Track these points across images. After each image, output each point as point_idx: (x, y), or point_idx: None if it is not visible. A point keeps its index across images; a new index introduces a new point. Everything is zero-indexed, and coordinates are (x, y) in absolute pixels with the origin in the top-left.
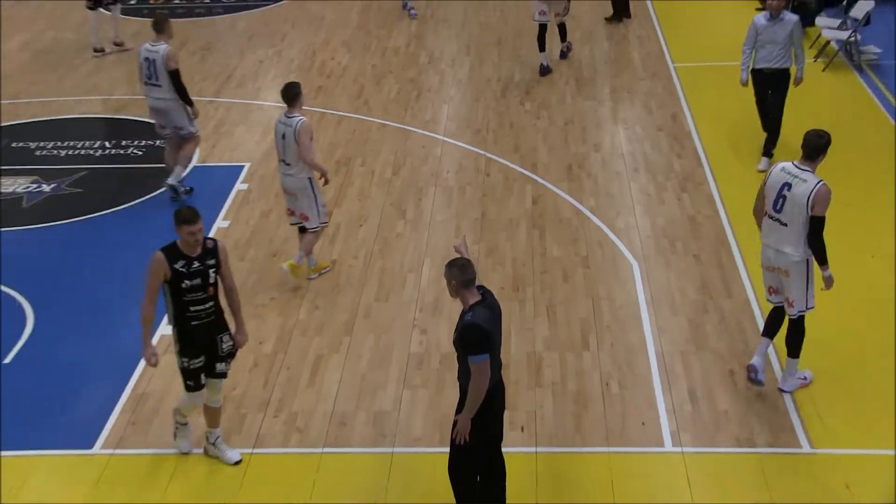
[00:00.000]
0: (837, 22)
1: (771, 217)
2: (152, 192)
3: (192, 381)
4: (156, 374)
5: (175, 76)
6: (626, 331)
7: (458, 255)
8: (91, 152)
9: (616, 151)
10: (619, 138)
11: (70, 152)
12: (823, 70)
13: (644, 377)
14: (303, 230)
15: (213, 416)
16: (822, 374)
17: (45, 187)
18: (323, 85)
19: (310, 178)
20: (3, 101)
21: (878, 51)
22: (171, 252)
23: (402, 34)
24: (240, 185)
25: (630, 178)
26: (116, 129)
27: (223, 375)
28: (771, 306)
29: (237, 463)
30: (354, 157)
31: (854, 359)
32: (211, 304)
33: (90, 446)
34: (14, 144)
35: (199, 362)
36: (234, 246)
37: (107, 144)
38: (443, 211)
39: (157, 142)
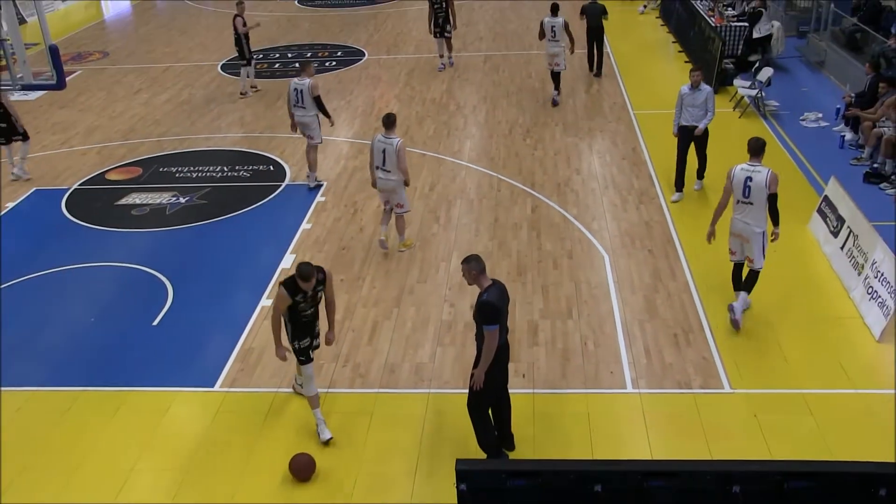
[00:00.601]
0: (748, 83)
1: (742, 202)
2: (256, 203)
3: (304, 356)
4: (259, 334)
5: (318, 100)
6: (599, 304)
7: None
8: (214, 174)
9: (592, 174)
10: (594, 165)
11: (199, 174)
12: (739, 117)
13: (612, 338)
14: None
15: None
16: (736, 339)
17: (182, 199)
18: (379, 127)
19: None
20: (155, 139)
21: (777, 104)
22: (292, 287)
23: (437, 89)
24: (319, 198)
25: (602, 193)
26: (231, 158)
27: (316, 347)
28: (732, 265)
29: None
30: None
31: (760, 323)
32: (315, 310)
33: (212, 385)
34: (161, 169)
35: (306, 342)
36: (314, 242)
37: (225, 169)
38: (466, 216)
39: (261, 166)
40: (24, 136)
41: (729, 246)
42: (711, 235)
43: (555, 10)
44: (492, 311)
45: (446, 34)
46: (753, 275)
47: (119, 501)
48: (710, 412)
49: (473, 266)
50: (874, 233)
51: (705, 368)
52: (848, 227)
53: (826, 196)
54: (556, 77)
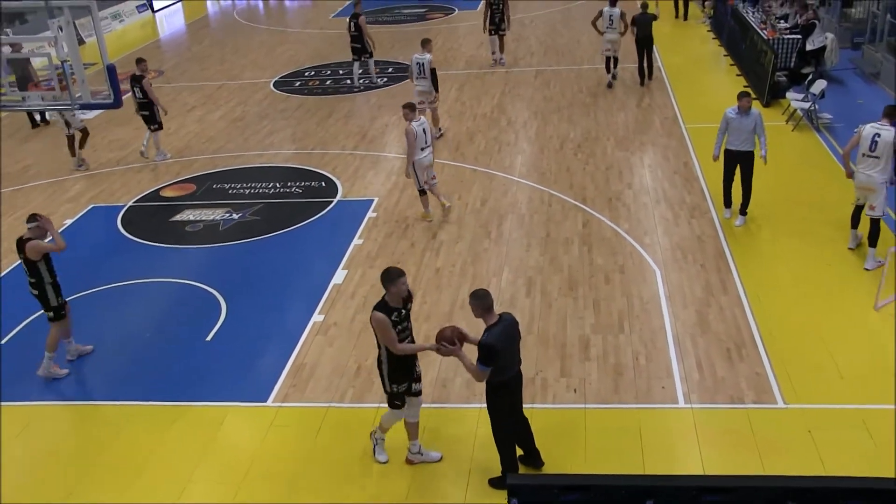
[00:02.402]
0: (801, 95)
1: (867, 155)
2: (308, 219)
3: (399, 401)
4: (311, 350)
5: (433, 72)
6: (651, 319)
7: (479, 288)
8: (266, 190)
9: (643, 188)
10: (645, 179)
11: (252, 191)
12: (792, 130)
13: (663, 352)
14: (423, 192)
15: (413, 429)
16: (790, 352)
17: (235, 216)
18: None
19: None
20: (208, 156)
21: (831, 116)
22: (385, 309)
23: (488, 104)
24: (370, 214)
25: (653, 207)
26: (284, 174)
27: (420, 393)
28: (853, 207)
29: (440, 459)
30: (453, 193)
31: (813, 338)
32: (411, 336)
33: (265, 400)
34: (215, 186)
35: (403, 386)
36: (366, 257)
37: (277, 185)
38: (517, 231)
39: (313, 182)
40: (159, 127)
41: (856, 195)
42: (851, 173)
43: (613, 0)
44: (488, 354)
45: (501, 32)
46: (876, 227)
47: None
48: (764, 427)
49: (479, 303)
50: None
51: (758, 383)
52: None
53: None
54: (614, 61)
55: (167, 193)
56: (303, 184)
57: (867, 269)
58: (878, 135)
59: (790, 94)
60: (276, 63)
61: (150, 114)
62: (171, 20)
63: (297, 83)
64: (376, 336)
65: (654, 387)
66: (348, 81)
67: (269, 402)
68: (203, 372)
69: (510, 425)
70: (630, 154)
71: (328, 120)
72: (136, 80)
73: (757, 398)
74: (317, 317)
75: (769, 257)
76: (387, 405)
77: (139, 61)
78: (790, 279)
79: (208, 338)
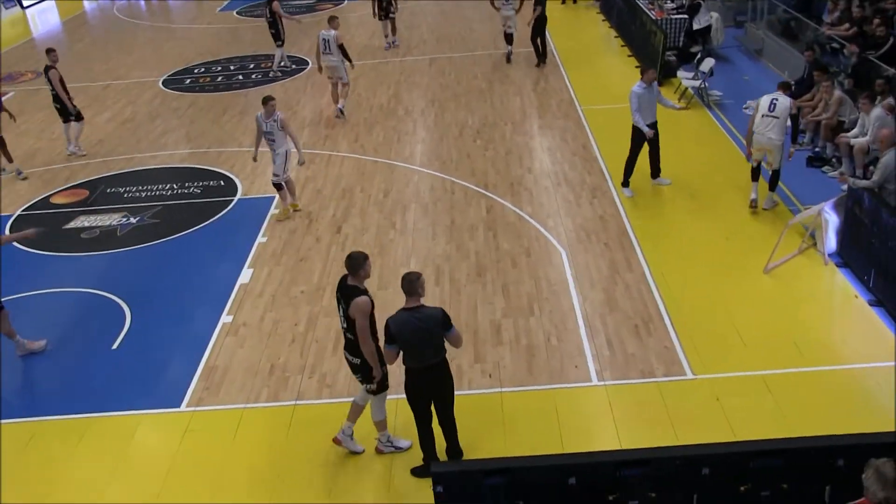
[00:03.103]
0: (691, 74)
1: (767, 116)
2: (209, 219)
3: (387, 381)
4: (222, 352)
5: (342, 47)
6: (560, 300)
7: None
8: (164, 192)
9: (544, 172)
10: (545, 162)
11: (148, 193)
12: (685, 108)
13: (574, 332)
14: (282, 187)
15: (358, 411)
16: (695, 326)
17: (133, 220)
18: (328, 134)
19: None
20: (99, 160)
21: (720, 93)
22: (367, 293)
23: (384, 94)
24: (272, 211)
25: (555, 190)
26: (181, 174)
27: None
28: (750, 166)
29: (363, 452)
30: (355, 185)
31: (717, 309)
32: None
33: (178, 405)
34: (109, 190)
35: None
36: (272, 255)
37: (175, 186)
38: (422, 221)
39: (211, 182)
40: (78, 117)
41: (753, 156)
42: (751, 156)
43: None
44: (386, 332)
45: (391, 15)
46: (776, 174)
47: None
48: (675, 399)
49: (402, 284)
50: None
51: (667, 356)
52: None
53: None
54: (509, 38)
55: (58, 200)
56: (201, 184)
57: (765, 209)
58: (776, 99)
59: (681, 73)
60: (163, 61)
61: (61, 106)
62: (44, 17)
63: (188, 81)
64: (354, 325)
65: (568, 366)
66: (253, 77)
67: (183, 408)
68: (112, 381)
69: (421, 411)
70: (529, 138)
71: (223, 117)
72: (46, 71)
73: (667, 371)
74: (225, 318)
75: (669, 232)
76: (369, 396)
77: (49, 51)
78: (691, 253)
79: (114, 346)
